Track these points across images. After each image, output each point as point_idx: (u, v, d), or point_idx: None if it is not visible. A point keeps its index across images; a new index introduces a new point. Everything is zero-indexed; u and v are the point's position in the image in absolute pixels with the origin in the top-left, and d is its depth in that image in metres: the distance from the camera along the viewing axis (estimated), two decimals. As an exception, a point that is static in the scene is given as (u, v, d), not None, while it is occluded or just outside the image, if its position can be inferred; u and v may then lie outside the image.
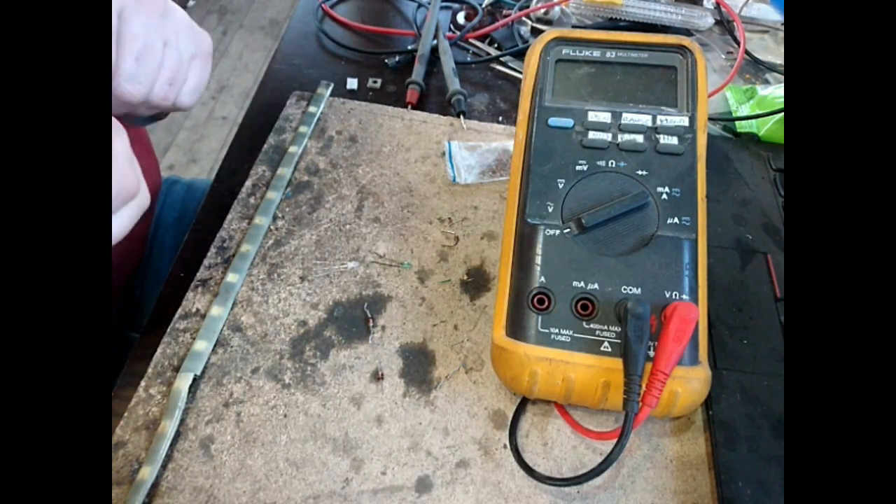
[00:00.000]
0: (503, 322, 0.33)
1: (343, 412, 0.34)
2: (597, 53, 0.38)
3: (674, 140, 0.35)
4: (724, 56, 0.58)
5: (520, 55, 0.57)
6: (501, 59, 0.57)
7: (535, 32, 0.59)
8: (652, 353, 0.30)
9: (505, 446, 0.33)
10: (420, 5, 0.62)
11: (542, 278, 0.32)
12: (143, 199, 0.30)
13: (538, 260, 0.33)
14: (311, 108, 0.50)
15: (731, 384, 0.34)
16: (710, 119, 0.49)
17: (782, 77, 0.55)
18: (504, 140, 0.48)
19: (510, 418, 0.34)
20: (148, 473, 0.31)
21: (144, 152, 0.56)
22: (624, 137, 0.35)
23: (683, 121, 0.35)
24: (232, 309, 0.38)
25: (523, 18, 0.60)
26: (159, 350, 0.36)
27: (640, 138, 0.35)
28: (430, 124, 0.50)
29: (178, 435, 0.33)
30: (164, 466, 0.32)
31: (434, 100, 0.53)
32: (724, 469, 0.31)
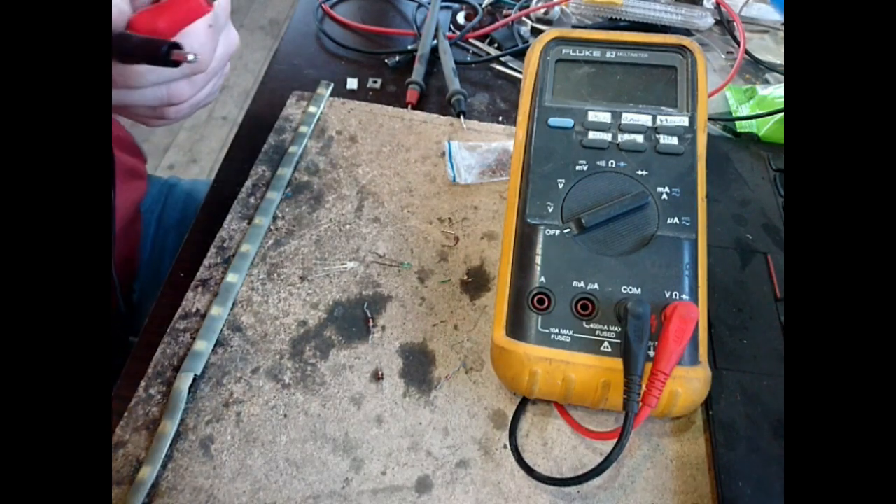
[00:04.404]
0: (503, 322, 0.33)
1: (343, 412, 0.34)
2: (597, 53, 0.38)
3: (674, 140, 0.35)
4: (724, 56, 0.58)
5: (520, 55, 0.57)
6: (501, 59, 0.57)
7: (535, 32, 0.59)
8: (652, 353, 0.30)
9: (505, 446, 0.33)
10: (420, 5, 0.62)
11: (542, 278, 0.32)
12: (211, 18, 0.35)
13: (538, 260, 0.33)
14: (311, 108, 0.50)
15: (731, 384, 0.34)
16: (710, 119, 0.49)
17: (782, 77, 0.55)
18: (504, 140, 0.48)
19: (510, 418, 0.34)
20: (148, 473, 0.31)
21: (130, 150, 0.56)
22: (624, 137, 0.35)
23: (683, 121, 0.35)
24: (232, 309, 0.38)
25: (523, 18, 0.60)
26: (159, 350, 0.36)
27: (640, 138, 0.35)
28: (430, 124, 0.50)
29: (178, 435, 0.33)
30: (164, 466, 0.32)
31: (434, 100, 0.53)
32: (724, 469, 0.31)
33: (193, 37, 0.33)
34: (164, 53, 0.32)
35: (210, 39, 0.35)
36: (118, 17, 0.32)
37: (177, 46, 0.32)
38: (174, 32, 0.33)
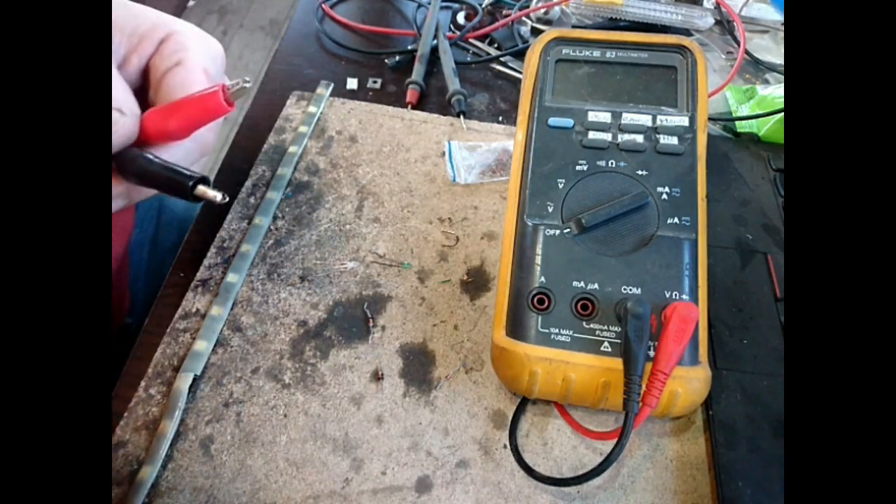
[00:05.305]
0: (503, 322, 0.33)
1: (343, 412, 0.34)
2: (597, 53, 0.38)
3: (674, 140, 0.35)
4: (724, 56, 0.58)
5: (520, 55, 0.57)
6: (501, 59, 0.57)
7: (535, 32, 0.59)
8: (652, 353, 0.30)
9: (505, 446, 0.33)
10: (420, 5, 0.62)
11: (542, 278, 0.32)
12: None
13: (538, 260, 0.33)
14: (311, 108, 0.50)
15: (731, 384, 0.34)
16: (710, 119, 0.49)
17: (782, 77, 0.55)
18: (504, 140, 0.48)
19: (510, 418, 0.34)
20: (148, 473, 0.31)
21: None
22: (624, 137, 0.35)
23: (683, 121, 0.35)
24: (232, 309, 0.38)
25: (523, 18, 0.60)
26: (159, 350, 0.36)
27: (640, 138, 0.35)
28: (430, 124, 0.50)
29: (178, 435, 0.33)
30: (164, 466, 0.32)
31: (434, 100, 0.53)
32: (724, 469, 0.31)
33: (202, 131, 0.31)
34: (190, 190, 0.28)
35: (216, 124, 0.32)
36: (129, 125, 0.28)
37: (204, 181, 0.28)
38: (187, 134, 0.30)
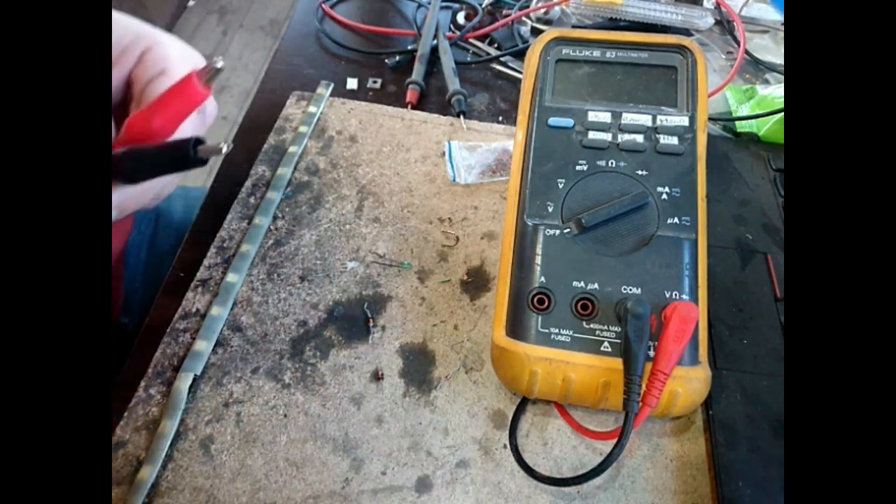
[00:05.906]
0: (503, 322, 0.33)
1: (343, 412, 0.34)
2: (597, 53, 0.38)
3: (674, 140, 0.35)
4: (724, 56, 0.58)
5: (520, 55, 0.57)
6: (501, 59, 0.57)
7: (535, 32, 0.59)
8: (652, 353, 0.30)
9: (505, 446, 0.33)
10: (420, 5, 0.62)
11: (542, 278, 0.32)
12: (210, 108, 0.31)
13: (538, 260, 0.33)
14: (311, 108, 0.50)
15: (731, 384, 0.34)
16: (710, 119, 0.49)
17: (782, 77, 0.55)
18: (504, 140, 0.48)
19: (510, 418, 0.34)
20: (148, 473, 0.31)
21: None
22: (624, 137, 0.35)
23: (683, 121, 0.35)
24: (232, 309, 0.38)
25: (523, 18, 0.60)
26: (159, 350, 0.36)
27: (640, 138, 0.35)
28: (430, 124, 0.50)
29: (178, 435, 0.33)
30: (164, 466, 0.32)
31: (434, 100, 0.53)
32: (724, 469, 0.31)
33: (186, 126, 0.30)
34: (193, 155, 0.27)
35: (202, 123, 0.32)
36: None
37: (200, 141, 0.27)
38: (173, 130, 0.29)
